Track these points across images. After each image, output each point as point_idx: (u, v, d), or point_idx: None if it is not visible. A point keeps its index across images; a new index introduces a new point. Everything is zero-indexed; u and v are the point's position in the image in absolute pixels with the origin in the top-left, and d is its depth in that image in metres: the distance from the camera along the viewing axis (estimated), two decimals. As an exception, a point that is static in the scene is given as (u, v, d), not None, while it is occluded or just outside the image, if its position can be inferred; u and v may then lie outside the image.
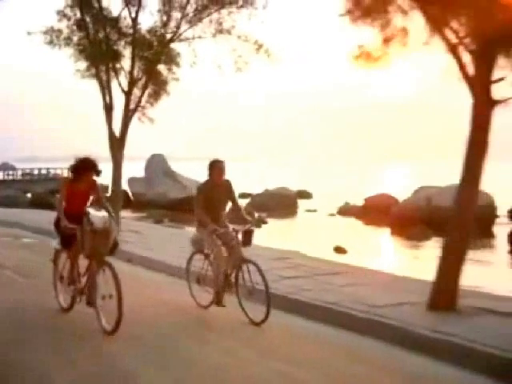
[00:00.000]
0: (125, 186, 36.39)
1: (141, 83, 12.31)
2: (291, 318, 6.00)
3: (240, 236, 5.77)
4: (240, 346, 4.93)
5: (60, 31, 12.34)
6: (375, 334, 5.27)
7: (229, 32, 11.86)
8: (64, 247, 5.61)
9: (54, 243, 5.81)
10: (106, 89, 11.97)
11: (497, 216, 27.72)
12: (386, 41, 5.11)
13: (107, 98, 12.04)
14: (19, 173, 47.07)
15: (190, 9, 11.45)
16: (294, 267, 8.44)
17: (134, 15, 12.18)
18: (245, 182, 51.15)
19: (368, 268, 9.67)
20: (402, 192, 31.08)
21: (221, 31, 11.82)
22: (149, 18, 12.43)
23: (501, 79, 5.81)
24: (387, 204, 28.63)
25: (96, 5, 12.11)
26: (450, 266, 5.69)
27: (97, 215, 5.20)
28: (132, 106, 12.16)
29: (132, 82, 12.06)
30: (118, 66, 12.32)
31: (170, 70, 12.33)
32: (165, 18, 11.86)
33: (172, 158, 35.68)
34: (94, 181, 5.57)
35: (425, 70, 6.02)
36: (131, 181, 35.06)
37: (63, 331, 5.21)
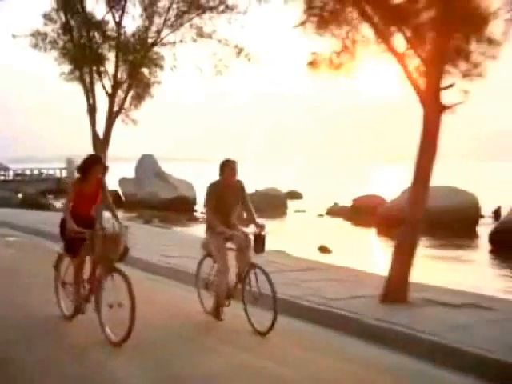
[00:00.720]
0: (116, 186, 36.79)
1: (125, 86, 12.63)
2: (253, 309, 6.03)
3: (252, 241, 5.48)
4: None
5: (45, 34, 12.66)
6: (329, 324, 5.63)
7: (210, 36, 12.21)
8: (68, 252, 5.33)
9: (58, 247, 5.57)
10: (89, 91, 12.31)
11: (482, 216, 28.16)
12: (337, 51, 5.49)
13: (91, 101, 12.38)
14: (11, 173, 47.25)
15: (171, 14, 11.79)
16: (267, 264, 8.79)
17: (117, 19, 12.53)
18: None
19: (341, 266, 10.02)
20: (391, 193, 31.50)
21: (202, 35, 12.17)
22: (133, 23, 12.71)
23: (450, 86, 6.20)
24: (375, 205, 28.98)
25: (80, 8, 12.43)
26: (401, 260, 6.07)
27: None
28: (116, 109, 12.49)
29: (116, 85, 12.40)
30: (102, 68, 12.66)
31: (151, 73, 12.66)
32: (147, 23, 12.21)
33: (161, 159, 35.95)
34: (101, 180, 5.35)
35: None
36: (122, 181, 35.37)
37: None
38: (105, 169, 5.36)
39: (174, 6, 11.85)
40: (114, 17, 12.50)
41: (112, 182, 12.98)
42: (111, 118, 12.51)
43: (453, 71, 6.19)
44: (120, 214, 20.03)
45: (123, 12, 12.37)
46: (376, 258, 17.77)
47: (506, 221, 20.74)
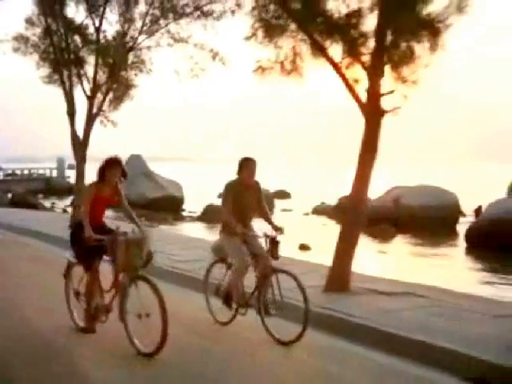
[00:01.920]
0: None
1: (104, 88, 13.10)
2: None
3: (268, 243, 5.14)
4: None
5: (27, 38, 13.11)
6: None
7: (186, 41, 12.68)
8: (82, 261, 4.99)
9: (67, 255, 5.25)
10: (68, 94, 12.76)
11: (464, 215, 28.77)
12: (280, 60, 6.00)
13: (70, 103, 12.84)
14: (1, 174, 47.53)
15: (148, 19, 12.26)
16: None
17: (97, 24, 12.99)
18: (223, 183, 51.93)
19: (309, 261, 10.50)
20: (378, 192, 32.05)
21: (177, 40, 12.64)
22: (112, 27, 13.15)
23: (391, 92, 6.73)
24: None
25: (60, 13, 12.88)
26: (344, 252, 6.59)
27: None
28: (95, 111, 12.96)
29: (95, 88, 12.86)
30: (81, 71, 13.12)
31: (131, 76, 13.13)
32: (125, 28, 12.67)
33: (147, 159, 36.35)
34: (118, 185, 5.04)
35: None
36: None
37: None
38: (123, 172, 4.97)
39: (151, 11, 12.30)
40: (93, 22, 12.95)
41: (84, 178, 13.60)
42: (90, 119, 12.97)
43: (393, 78, 6.75)
44: (108, 213, 20.45)
45: (102, 17, 12.82)
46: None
47: (480, 219, 21.29)
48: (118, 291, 4.66)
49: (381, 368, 4.47)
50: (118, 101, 13.37)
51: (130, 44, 12.80)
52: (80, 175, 13.67)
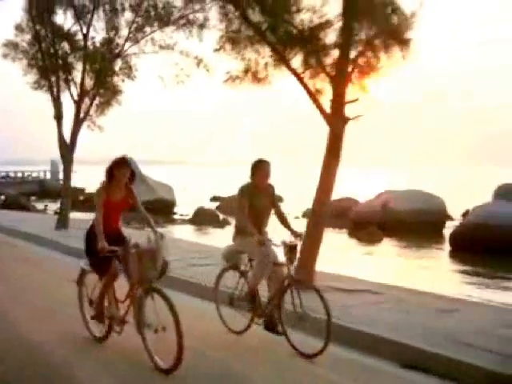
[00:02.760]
0: (93, 188, 37.48)
1: (91, 93, 13.46)
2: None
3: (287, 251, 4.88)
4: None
5: (17, 45, 13.48)
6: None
7: (171, 48, 13.04)
8: (96, 270, 4.79)
9: (82, 263, 5.06)
10: (56, 99, 13.14)
11: (452, 219, 29.21)
12: (246, 70, 6.39)
13: (57, 108, 13.22)
14: (-4, 176, 47.80)
15: (134, 27, 12.62)
16: (207, 257, 9.67)
17: (84, 31, 13.35)
18: (217, 186, 52.52)
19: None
20: (367, 196, 32.44)
21: (163, 47, 13.00)
22: (99, 34, 13.50)
23: (356, 100, 7.12)
24: (348, 207, 29.98)
25: (49, 19, 13.24)
26: (308, 250, 6.96)
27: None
28: (82, 115, 13.33)
29: (82, 93, 13.23)
30: (69, 77, 13.49)
31: (114, 84, 13.51)
32: (112, 35, 13.04)
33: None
34: (131, 188, 4.78)
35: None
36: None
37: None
38: (132, 173, 4.73)
39: (137, 19, 12.66)
40: (81, 29, 13.32)
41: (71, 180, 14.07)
42: (77, 124, 13.34)
43: (357, 87, 7.15)
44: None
45: (90, 25, 13.19)
46: (328, 255, 18.68)
47: (464, 223, 21.69)
48: (132, 303, 4.47)
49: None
50: (104, 106, 13.73)
51: (117, 51, 13.16)
52: (67, 177, 14.03)
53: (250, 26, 6.10)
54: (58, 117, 13.26)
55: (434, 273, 15.42)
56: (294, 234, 5.02)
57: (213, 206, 36.19)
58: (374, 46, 7.42)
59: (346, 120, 6.94)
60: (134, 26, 12.55)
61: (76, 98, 13.37)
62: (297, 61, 6.41)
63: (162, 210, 31.67)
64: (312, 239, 6.97)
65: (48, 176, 49.36)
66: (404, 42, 7.60)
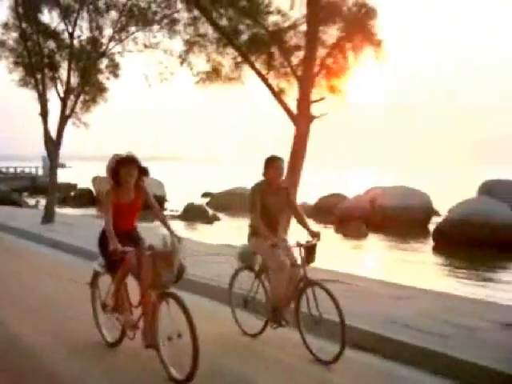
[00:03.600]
0: (87, 184, 37.80)
1: (77, 91, 13.76)
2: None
3: (303, 252, 4.66)
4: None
5: (4, 43, 13.75)
6: (215, 296, 6.73)
7: (155, 47, 13.33)
8: (111, 272, 4.55)
9: (95, 264, 4.76)
10: (41, 96, 13.44)
11: (439, 215, 29.69)
12: (214, 71, 6.76)
13: (43, 105, 13.53)
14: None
15: (118, 27, 12.92)
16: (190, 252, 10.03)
17: (70, 30, 13.63)
18: (207, 182, 52.82)
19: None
20: (355, 192, 32.87)
21: (147, 46, 13.29)
22: (85, 33, 13.78)
23: (322, 99, 7.49)
24: (335, 203, 30.40)
25: (34, 18, 13.52)
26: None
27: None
28: (68, 112, 13.64)
29: (68, 91, 13.54)
30: (56, 75, 13.79)
31: (99, 82, 13.82)
32: (96, 34, 13.34)
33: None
34: (142, 186, 4.49)
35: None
36: (95, 179, 36.34)
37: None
38: (141, 171, 4.40)
39: (121, 19, 12.95)
40: (67, 28, 13.60)
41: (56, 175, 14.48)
42: (63, 120, 13.65)
43: (322, 87, 7.53)
44: (92, 211, 21.17)
45: (75, 24, 13.47)
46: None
47: (446, 219, 22.14)
48: (145, 310, 4.22)
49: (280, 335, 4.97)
50: (90, 103, 14.04)
51: (102, 50, 13.45)
52: (53, 173, 14.36)
53: (216, 29, 6.45)
54: (44, 114, 13.57)
55: (412, 266, 15.87)
56: (311, 233, 4.73)
57: (204, 201, 36.54)
58: (342, 48, 7.80)
59: (311, 118, 7.31)
60: (118, 25, 12.83)
61: (62, 95, 13.67)
62: (262, 62, 6.75)
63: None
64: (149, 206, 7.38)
65: (40, 172, 49.55)
66: (376, 43, 7.98)
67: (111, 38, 13.25)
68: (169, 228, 4.41)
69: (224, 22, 6.42)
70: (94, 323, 4.92)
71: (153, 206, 4.54)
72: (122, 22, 12.69)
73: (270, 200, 4.78)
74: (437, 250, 20.20)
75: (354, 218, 26.50)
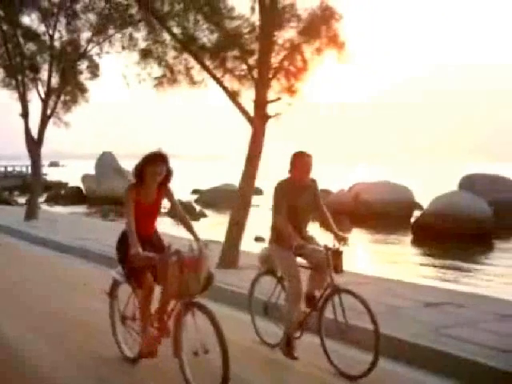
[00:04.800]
0: (78, 182, 38.21)
1: (58, 92, 14.21)
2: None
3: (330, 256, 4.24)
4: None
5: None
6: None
7: (132, 49, 13.75)
8: (130, 281, 4.10)
9: (113, 272, 4.36)
10: (22, 98, 13.91)
11: (422, 208, 30.29)
12: (175, 74, 7.28)
13: (23, 106, 14.02)
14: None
15: (94, 29, 13.37)
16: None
17: (51, 32, 14.06)
18: (199, 179, 53.29)
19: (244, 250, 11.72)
20: (342, 188, 33.42)
21: (125, 47, 13.71)
22: (65, 35, 14.19)
23: (278, 99, 7.99)
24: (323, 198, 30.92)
25: (14, 19, 13.94)
26: (233, 234, 7.86)
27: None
28: (49, 112, 14.11)
29: (48, 92, 14.00)
30: (37, 76, 14.24)
31: (79, 83, 14.28)
32: (75, 36, 13.78)
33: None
34: (168, 187, 4.13)
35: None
36: (85, 178, 36.77)
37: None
38: (168, 171, 4.02)
39: (99, 21, 13.37)
40: (47, 30, 14.03)
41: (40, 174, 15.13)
42: (44, 120, 14.13)
43: (278, 87, 8.03)
44: (81, 209, 21.63)
45: (55, 26, 13.90)
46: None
47: (424, 213, 22.74)
48: (170, 320, 3.89)
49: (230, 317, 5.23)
50: (71, 103, 14.51)
51: (81, 51, 13.90)
52: (35, 172, 14.85)
53: (172, 36, 6.95)
54: (25, 115, 14.04)
55: (384, 257, 16.47)
56: (338, 237, 4.36)
57: (193, 198, 37.03)
58: (301, 50, 8.29)
59: (266, 118, 7.81)
60: (97, 28, 13.25)
61: (43, 96, 14.13)
62: (217, 66, 7.25)
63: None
64: (235, 225, 7.90)
65: (30, 171, 49.79)
66: (339, 45, 8.46)
67: (89, 40, 13.69)
68: (193, 233, 4.07)
69: (179, 30, 6.90)
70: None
71: (177, 209, 4.19)
72: (99, 24, 13.11)
73: (295, 199, 4.35)
74: (414, 242, 20.82)
75: (339, 212, 27.10)
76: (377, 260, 15.72)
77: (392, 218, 26.32)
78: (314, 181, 4.58)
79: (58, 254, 10.04)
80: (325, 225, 4.56)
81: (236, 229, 7.85)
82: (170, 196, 4.17)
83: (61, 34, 13.69)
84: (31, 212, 14.49)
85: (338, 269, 4.26)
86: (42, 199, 36.47)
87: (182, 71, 7.31)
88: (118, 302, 4.46)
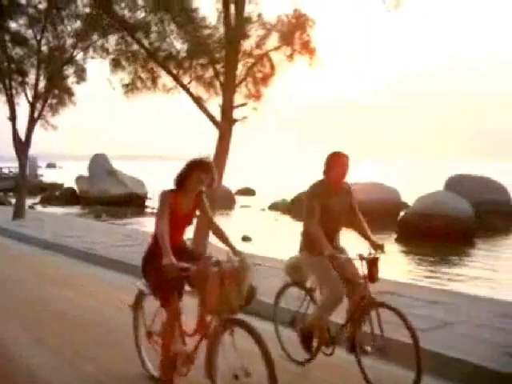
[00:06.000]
0: (73, 184, 38.67)
1: (45, 95, 14.71)
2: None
3: (365, 266, 3.98)
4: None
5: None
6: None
7: (106, 56, 14.16)
8: (159, 295, 3.71)
9: (140, 283, 3.99)
10: (10, 101, 14.42)
11: (408, 207, 30.82)
12: (143, 81, 7.80)
13: (11, 109, 14.52)
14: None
15: (78, 36, 13.85)
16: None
17: (38, 38, 14.54)
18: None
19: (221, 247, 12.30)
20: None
21: (110, 53, 14.20)
22: (52, 41, 14.67)
23: (244, 104, 8.50)
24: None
25: (3, 25, 14.42)
26: (200, 232, 8.36)
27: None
28: (36, 115, 14.62)
29: (36, 95, 14.50)
30: (25, 80, 14.74)
31: (66, 87, 14.78)
32: (61, 42, 14.26)
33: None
34: (202, 196, 3.86)
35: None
36: (78, 179, 37.26)
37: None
38: (211, 179, 3.74)
39: (83, 28, 13.84)
40: (35, 35, 14.52)
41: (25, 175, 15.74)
42: (31, 123, 14.64)
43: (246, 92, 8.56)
44: (75, 209, 22.13)
45: (43, 32, 14.38)
46: (282, 244, 20.15)
47: (409, 212, 23.26)
48: (205, 338, 3.50)
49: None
50: (58, 106, 15.02)
51: (67, 56, 14.38)
52: (22, 173, 15.37)
53: (141, 46, 7.45)
54: (13, 118, 14.54)
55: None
56: (374, 245, 4.09)
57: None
58: (268, 57, 8.80)
59: (232, 122, 8.30)
60: (79, 35, 13.73)
61: (31, 99, 14.63)
62: (183, 73, 7.77)
63: (134, 203, 33.00)
64: (203, 225, 8.39)
65: (26, 172, 50.13)
66: (310, 51, 8.97)
67: (75, 46, 14.17)
68: (230, 244, 3.71)
69: (147, 41, 7.41)
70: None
71: (209, 220, 3.89)
72: (83, 31, 13.57)
73: (330, 203, 4.07)
74: (398, 240, 21.33)
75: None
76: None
77: (379, 218, 26.84)
78: (347, 184, 4.27)
79: (39, 250, 10.57)
80: (360, 231, 4.28)
81: (203, 227, 8.34)
82: (203, 206, 3.88)
83: (48, 40, 14.17)
84: (19, 212, 14.99)
85: (373, 278, 3.98)
86: (36, 200, 36.96)
87: (149, 79, 7.81)
88: (144, 315, 4.08)
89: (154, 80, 7.67)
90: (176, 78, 7.74)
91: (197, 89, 7.97)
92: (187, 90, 7.91)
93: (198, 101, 7.99)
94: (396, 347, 4.02)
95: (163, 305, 3.71)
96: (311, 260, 4.13)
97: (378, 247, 4.06)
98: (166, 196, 3.68)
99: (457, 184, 27.51)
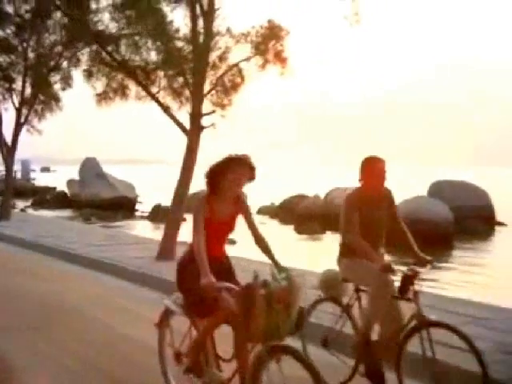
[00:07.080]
0: (64, 187, 39.10)
1: (31, 101, 15.22)
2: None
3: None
4: None
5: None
6: (123, 276, 8.31)
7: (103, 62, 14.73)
8: (192, 312, 3.38)
9: (167, 301, 3.62)
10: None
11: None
12: (115, 91, 8.35)
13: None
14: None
15: (63, 45, 14.36)
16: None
17: (25, 45, 15.05)
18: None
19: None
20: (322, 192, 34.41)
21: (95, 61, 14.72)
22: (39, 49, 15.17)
23: (213, 112, 9.02)
24: (297, 203, 32.09)
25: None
26: (170, 230, 8.89)
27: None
28: (22, 120, 15.13)
29: (22, 101, 15.01)
30: (12, 86, 15.26)
31: (52, 93, 15.31)
32: (47, 50, 14.77)
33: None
34: (243, 197, 3.42)
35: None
36: (69, 182, 37.71)
37: None
38: (251, 176, 3.32)
39: (68, 36, 14.31)
40: (21, 43, 15.03)
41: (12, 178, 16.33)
42: (18, 128, 15.16)
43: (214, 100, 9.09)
44: (66, 213, 22.67)
45: (29, 40, 14.89)
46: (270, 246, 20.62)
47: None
48: (243, 365, 3.19)
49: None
50: (44, 112, 15.55)
51: (53, 63, 14.90)
52: (9, 176, 15.86)
53: (112, 58, 8.00)
54: (-1, 123, 15.08)
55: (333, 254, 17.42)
56: (419, 258, 3.78)
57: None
58: (238, 68, 9.34)
59: (202, 128, 8.82)
60: (63, 44, 14.24)
61: (17, 105, 15.14)
62: (151, 83, 8.32)
63: (124, 206, 33.43)
64: (172, 225, 8.95)
65: (18, 175, 50.56)
66: (282, 60, 9.50)
67: (60, 54, 14.69)
68: (274, 259, 3.33)
69: (118, 53, 7.96)
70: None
71: (253, 228, 3.45)
72: (66, 40, 14.06)
73: (370, 212, 3.83)
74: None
75: (310, 217, 28.19)
76: (323, 257, 16.65)
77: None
78: (388, 189, 4.01)
79: (19, 249, 11.07)
80: (403, 243, 3.90)
81: (172, 229, 8.92)
82: (246, 212, 3.42)
83: (34, 48, 14.68)
84: (4, 213, 15.47)
85: (406, 294, 3.65)
86: (28, 203, 37.32)
87: (119, 89, 8.37)
88: (172, 335, 3.67)
89: (124, 90, 8.22)
90: (145, 88, 8.28)
91: (165, 98, 8.49)
92: (156, 100, 8.44)
93: (166, 109, 8.52)
94: (455, 374, 3.62)
95: (205, 316, 3.29)
96: (353, 263, 3.85)
97: (428, 262, 3.75)
98: (200, 206, 3.22)
99: (438, 189, 28.10)
